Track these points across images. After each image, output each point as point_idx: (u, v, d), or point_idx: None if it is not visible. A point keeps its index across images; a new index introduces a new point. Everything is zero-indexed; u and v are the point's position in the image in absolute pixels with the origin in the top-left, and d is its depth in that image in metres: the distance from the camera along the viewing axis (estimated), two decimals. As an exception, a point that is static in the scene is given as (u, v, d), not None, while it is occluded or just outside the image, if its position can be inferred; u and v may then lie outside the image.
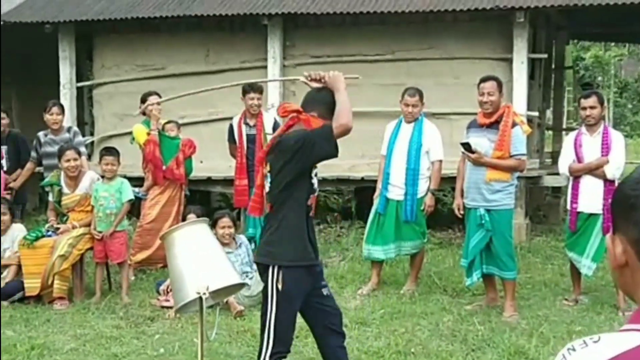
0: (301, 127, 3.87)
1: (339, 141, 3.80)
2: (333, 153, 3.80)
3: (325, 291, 4.11)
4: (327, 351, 4.18)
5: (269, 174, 3.89)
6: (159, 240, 7.87)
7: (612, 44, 26.40)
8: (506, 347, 5.49)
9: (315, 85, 3.97)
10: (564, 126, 13.35)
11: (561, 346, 5.38)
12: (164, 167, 7.88)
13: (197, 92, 5.46)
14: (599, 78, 29.37)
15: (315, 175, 3.97)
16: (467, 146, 6.38)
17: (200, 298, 2.99)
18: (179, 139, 8.08)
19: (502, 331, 5.91)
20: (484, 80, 6.48)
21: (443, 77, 9.69)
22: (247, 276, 6.60)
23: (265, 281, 3.83)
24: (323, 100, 3.91)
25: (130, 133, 8.48)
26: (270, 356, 3.84)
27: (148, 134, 7.87)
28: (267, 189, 3.92)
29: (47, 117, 7.87)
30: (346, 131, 3.75)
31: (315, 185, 3.98)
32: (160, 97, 8.17)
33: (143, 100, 8.13)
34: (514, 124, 6.31)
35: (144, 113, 8.10)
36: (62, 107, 8.15)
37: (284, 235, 3.85)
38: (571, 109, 14.52)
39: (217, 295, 3.19)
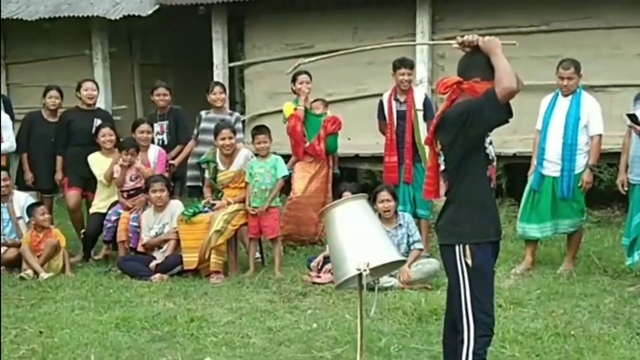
0: (466, 97, 3.69)
1: None
2: (503, 118, 3.58)
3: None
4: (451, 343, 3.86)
5: (441, 152, 3.72)
6: (312, 216, 8.06)
7: None
8: (678, 333, 5.18)
9: (467, 50, 3.77)
10: None
11: None
12: (306, 143, 7.96)
13: (348, 52, 5.26)
14: None
15: (490, 143, 3.77)
16: (633, 118, 6.03)
17: (360, 274, 2.95)
18: (324, 116, 8.14)
19: (670, 315, 5.57)
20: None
21: (602, 48, 9.20)
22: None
23: (451, 262, 3.66)
24: (480, 62, 3.68)
25: (280, 111, 8.60)
26: (476, 341, 3.63)
27: (295, 109, 7.99)
28: (441, 167, 3.75)
29: (210, 96, 8.16)
30: (511, 94, 3.50)
31: (492, 155, 3.78)
32: (310, 76, 8.26)
33: (294, 79, 8.25)
34: (686, 96, 5.91)
35: (294, 91, 8.24)
36: (223, 87, 8.47)
37: (469, 212, 3.68)
38: None
39: (376, 272, 3.15)
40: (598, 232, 8.46)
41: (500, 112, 3.53)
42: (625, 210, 9.10)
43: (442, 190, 3.82)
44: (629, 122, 6.19)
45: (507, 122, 3.61)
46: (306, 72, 8.28)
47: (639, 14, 9.15)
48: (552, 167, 6.86)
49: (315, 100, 8.35)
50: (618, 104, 8.54)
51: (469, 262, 3.62)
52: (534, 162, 7.00)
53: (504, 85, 3.48)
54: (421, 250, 6.91)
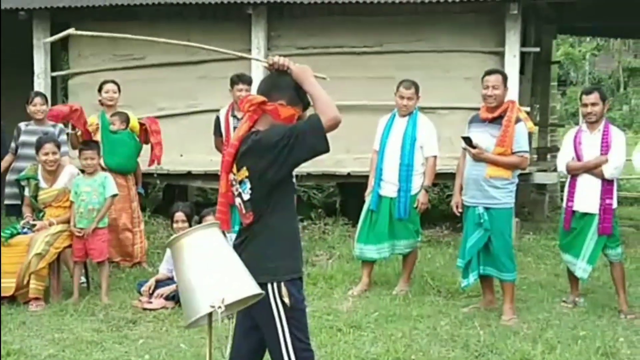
0: (268, 119, 3.41)
1: None
2: (325, 147, 3.28)
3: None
4: None
5: (247, 180, 3.37)
6: (126, 235, 7.67)
7: (587, 39, 26.46)
8: (511, 354, 5.25)
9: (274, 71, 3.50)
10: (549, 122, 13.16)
11: (568, 353, 5.18)
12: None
13: (182, 44, 4.82)
14: (572, 74, 29.44)
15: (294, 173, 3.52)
16: (468, 140, 6.12)
17: (212, 312, 2.66)
18: (122, 133, 7.84)
19: (504, 336, 5.65)
20: (489, 73, 6.21)
21: (432, 71, 9.44)
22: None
23: (262, 302, 3.24)
24: (287, 85, 3.41)
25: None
26: None
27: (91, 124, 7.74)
28: (244, 196, 3.38)
29: (30, 108, 7.55)
30: (337, 124, 3.28)
31: (295, 185, 3.57)
32: (118, 86, 7.93)
33: (99, 89, 7.98)
34: (518, 120, 6.06)
35: (100, 102, 7.89)
36: (45, 97, 7.85)
37: (281, 246, 3.39)
38: (554, 105, 14.39)
39: (231, 308, 2.85)
40: (429, 251, 8.61)
41: (323, 140, 3.26)
42: (454, 229, 9.41)
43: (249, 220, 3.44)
44: (463, 144, 6.28)
45: (327, 152, 3.34)
46: (114, 81, 7.90)
47: (468, 39, 9.49)
48: (389, 188, 6.86)
49: (114, 115, 7.93)
50: (447, 126, 8.77)
51: (287, 300, 3.34)
52: (372, 182, 6.98)
53: (331, 116, 3.25)
54: None
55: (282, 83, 3.43)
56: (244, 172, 3.37)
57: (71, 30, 3.55)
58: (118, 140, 7.80)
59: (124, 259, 7.90)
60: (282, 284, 3.34)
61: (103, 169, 7.49)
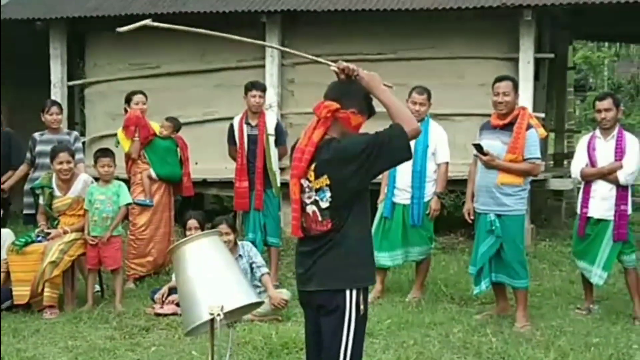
0: (339, 126, 3.43)
1: None
2: (408, 156, 3.34)
3: None
4: None
5: (327, 188, 3.37)
6: (154, 249, 7.72)
7: (605, 45, 26.25)
8: (523, 361, 5.22)
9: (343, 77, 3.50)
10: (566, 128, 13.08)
11: (580, 360, 5.14)
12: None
13: (196, 32, 4.76)
14: (591, 80, 29.23)
15: None
16: (479, 147, 6.10)
17: (213, 319, 2.67)
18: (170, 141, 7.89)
19: (516, 343, 5.63)
20: (499, 79, 6.19)
21: (446, 77, 9.42)
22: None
23: (337, 307, 3.36)
24: (358, 93, 3.42)
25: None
26: None
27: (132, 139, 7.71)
28: (322, 204, 3.39)
29: (45, 117, 7.57)
30: (419, 134, 3.35)
31: None
32: (145, 96, 7.92)
33: (127, 99, 7.89)
34: (529, 127, 6.04)
35: (125, 112, 7.88)
36: (60, 107, 7.87)
37: (361, 254, 3.43)
38: (571, 111, 14.32)
39: (231, 316, 2.86)
40: (443, 258, 8.58)
41: (407, 149, 3.30)
42: (469, 236, 9.36)
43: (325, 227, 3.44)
44: (474, 151, 6.27)
45: (409, 160, 3.43)
46: (142, 92, 7.93)
47: (481, 45, 9.46)
48: (402, 195, 6.86)
49: (167, 119, 8.00)
50: (461, 133, 8.75)
51: (362, 307, 3.39)
52: (384, 189, 6.98)
53: (414, 126, 3.30)
54: (269, 273, 6.69)
55: (353, 90, 3.43)
56: (324, 180, 3.38)
57: (147, 21, 3.54)
58: (167, 149, 7.87)
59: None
60: (360, 291, 3.40)
61: (153, 180, 7.62)
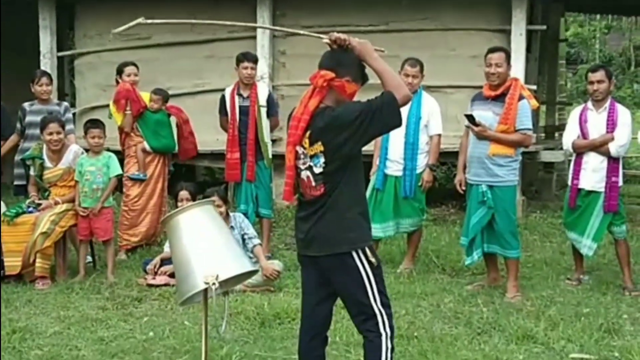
0: (334, 95, 3.53)
1: None
2: (399, 123, 3.47)
3: None
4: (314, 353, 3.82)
5: (321, 154, 3.48)
6: (146, 220, 7.71)
7: (597, 17, 26.20)
8: (513, 331, 5.25)
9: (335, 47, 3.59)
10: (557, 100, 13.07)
11: (571, 330, 5.18)
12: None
13: (185, 23, 4.85)
14: (583, 53, 29.19)
15: None
16: (471, 118, 6.10)
17: (207, 288, 2.67)
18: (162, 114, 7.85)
19: (507, 313, 5.67)
20: (492, 50, 6.18)
21: (438, 49, 9.37)
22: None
23: (348, 269, 3.52)
24: (353, 62, 3.53)
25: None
26: (392, 331, 3.62)
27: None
28: (316, 170, 3.51)
29: (35, 87, 7.50)
30: (409, 100, 3.48)
31: None
32: (137, 67, 7.85)
33: (119, 71, 7.82)
34: (521, 97, 6.04)
35: (118, 82, 7.80)
36: (50, 77, 7.78)
37: (357, 216, 3.56)
38: (562, 83, 14.29)
39: (225, 285, 2.87)
40: (435, 229, 8.60)
41: (398, 116, 3.43)
42: (460, 208, 9.39)
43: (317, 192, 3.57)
44: (466, 122, 6.27)
45: (399, 127, 3.54)
46: (133, 63, 7.86)
47: (473, 17, 9.41)
48: (394, 167, 6.86)
49: (154, 93, 7.92)
50: (453, 105, 8.73)
51: (373, 260, 3.54)
52: (376, 161, 6.97)
53: (405, 93, 3.43)
54: (261, 244, 6.70)
55: (346, 59, 3.53)
56: (319, 147, 3.50)
57: (141, 20, 3.65)
58: (159, 122, 7.83)
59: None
60: (365, 248, 3.53)
61: (147, 152, 7.55)
